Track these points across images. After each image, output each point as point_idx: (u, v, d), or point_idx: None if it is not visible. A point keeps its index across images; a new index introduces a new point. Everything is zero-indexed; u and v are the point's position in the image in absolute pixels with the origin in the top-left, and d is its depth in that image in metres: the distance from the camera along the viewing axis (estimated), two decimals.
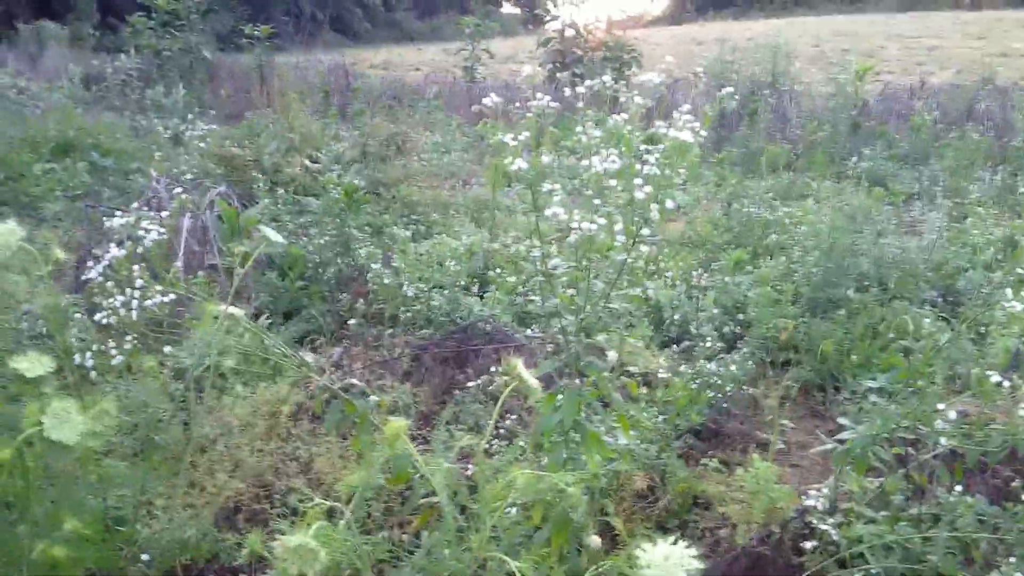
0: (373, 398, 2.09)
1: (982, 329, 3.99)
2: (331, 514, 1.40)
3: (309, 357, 2.13)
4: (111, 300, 1.71)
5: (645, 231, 1.86)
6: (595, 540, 1.60)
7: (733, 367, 3.41)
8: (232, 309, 1.60)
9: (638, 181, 1.86)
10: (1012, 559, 2.10)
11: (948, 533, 2.27)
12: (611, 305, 2.17)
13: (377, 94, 10.13)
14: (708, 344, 3.60)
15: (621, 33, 10.78)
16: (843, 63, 10.36)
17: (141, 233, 1.76)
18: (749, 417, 3.29)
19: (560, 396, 2.09)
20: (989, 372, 2.19)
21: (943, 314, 4.14)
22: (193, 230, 3.25)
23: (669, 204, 1.87)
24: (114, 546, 1.80)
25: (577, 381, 2.14)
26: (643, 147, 2.06)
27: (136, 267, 1.72)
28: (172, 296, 1.74)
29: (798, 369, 3.73)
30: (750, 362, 3.56)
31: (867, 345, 3.52)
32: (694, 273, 4.30)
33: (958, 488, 2.33)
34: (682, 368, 3.37)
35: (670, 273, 4.44)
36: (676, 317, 3.87)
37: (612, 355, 2.46)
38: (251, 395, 2.56)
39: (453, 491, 1.34)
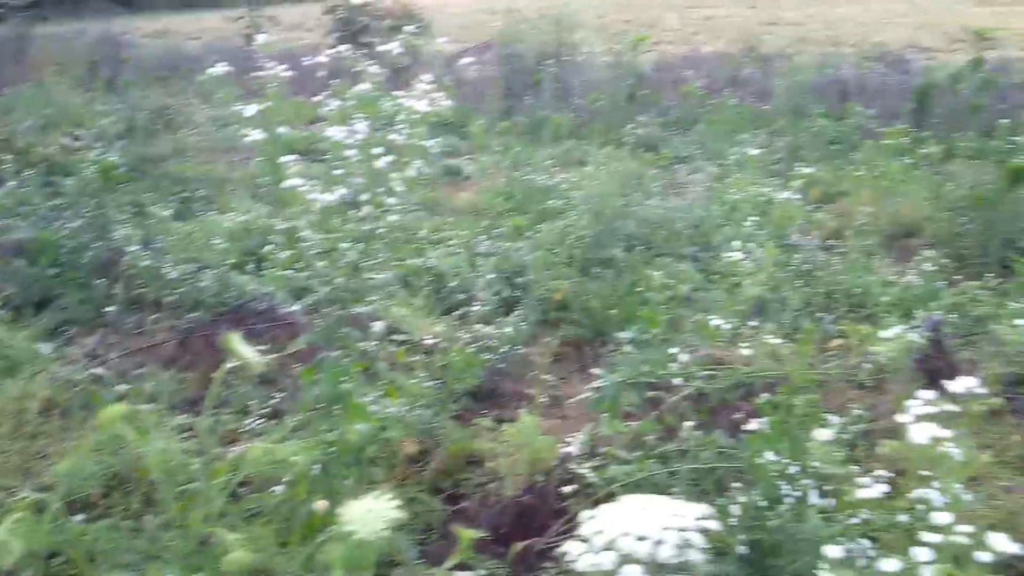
0: (123, 386, 2.01)
1: (735, 279, 4.37)
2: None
3: (46, 348, 2.01)
4: None
5: (391, 200, 1.89)
6: (321, 504, 1.64)
7: (508, 329, 3.55)
8: None
9: (379, 150, 1.89)
10: (738, 484, 2.34)
11: (690, 466, 2.50)
12: (372, 276, 2.21)
13: (150, 65, 9.54)
14: (485, 308, 3.72)
15: (409, 2, 10.73)
16: (625, 34, 10.82)
17: None
18: (524, 376, 3.44)
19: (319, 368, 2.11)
20: (711, 317, 2.40)
21: (702, 268, 4.49)
22: None
23: (411, 172, 1.91)
24: None
25: (338, 352, 2.16)
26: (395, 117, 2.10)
27: None
28: None
29: (570, 327, 3.94)
30: (524, 323, 3.71)
31: (630, 300, 3.75)
32: (477, 238, 4.41)
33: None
34: (459, 333, 3.47)
35: (454, 241, 4.52)
36: (456, 284, 3.97)
37: (378, 325, 2.49)
38: None
39: (173, 472, 1.33)
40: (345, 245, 2.03)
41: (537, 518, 2.55)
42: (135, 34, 14.55)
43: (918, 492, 2.01)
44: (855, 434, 2.52)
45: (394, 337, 2.91)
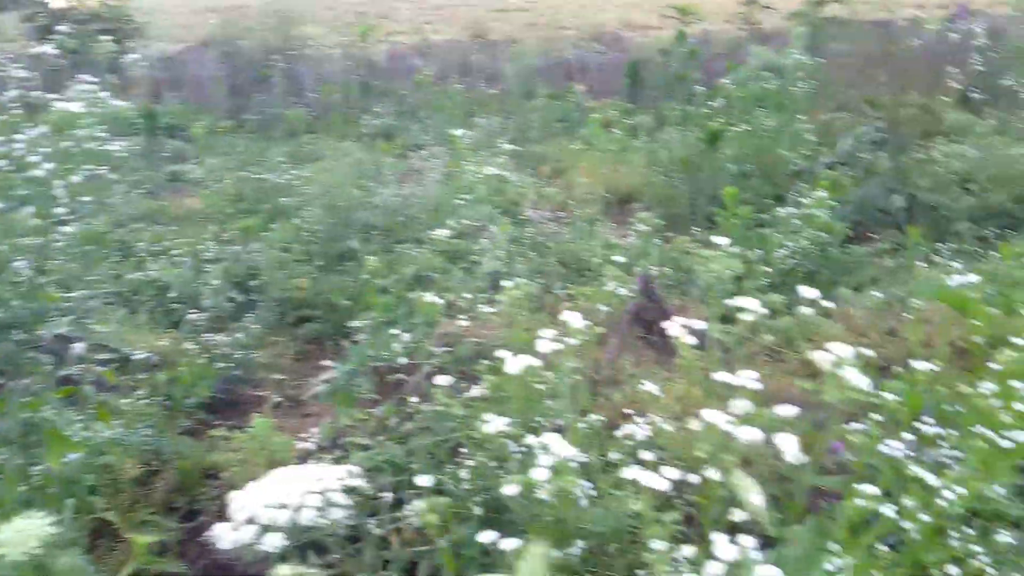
0: None
1: (475, 259, 4.50)
2: None
3: None
4: None
5: (59, 209, 1.76)
6: None
7: (241, 335, 3.44)
8: None
9: (36, 157, 1.75)
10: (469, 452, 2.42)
11: (426, 441, 2.55)
12: (62, 293, 2.04)
13: None
14: (215, 316, 3.58)
15: (117, 3, 10.01)
16: (356, 26, 10.73)
17: None
18: (262, 380, 3.35)
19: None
20: (431, 294, 2.44)
21: (441, 250, 4.57)
22: None
23: (75, 179, 1.79)
24: None
25: (28, 380, 1.99)
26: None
27: None
28: None
29: (312, 325, 3.88)
30: (260, 327, 3.61)
31: (367, 290, 3.76)
32: (201, 247, 4.22)
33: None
34: (187, 345, 3.31)
35: (178, 251, 4.30)
36: (181, 295, 3.78)
37: (78, 346, 2.32)
38: None
39: None
40: (19, 263, 1.86)
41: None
42: None
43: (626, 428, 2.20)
44: (571, 386, 2.67)
45: (103, 356, 2.73)
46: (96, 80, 1.85)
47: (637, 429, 2.18)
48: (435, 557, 2.27)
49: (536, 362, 1.26)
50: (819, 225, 4.42)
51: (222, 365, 3.21)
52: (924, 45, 8.47)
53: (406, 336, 2.50)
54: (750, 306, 1.79)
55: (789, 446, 1.19)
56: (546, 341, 1.31)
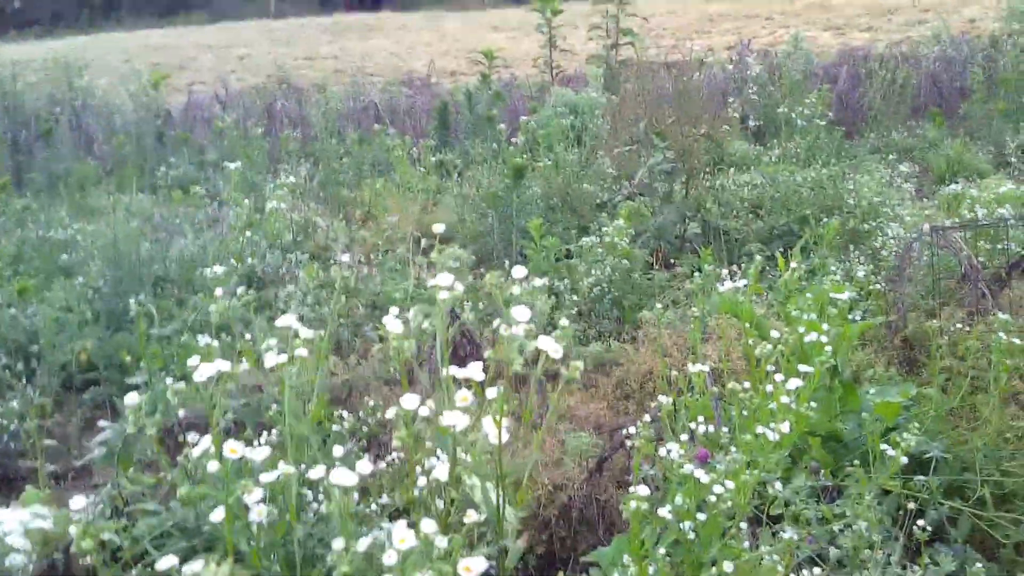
0: None
1: (281, 307, 4.33)
2: None
3: None
4: None
5: None
6: None
7: (15, 403, 3.12)
8: None
9: None
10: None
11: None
12: None
13: None
14: None
15: None
16: (148, 75, 10.25)
17: None
18: (41, 451, 3.04)
19: None
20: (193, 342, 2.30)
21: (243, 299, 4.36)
22: None
23: None
24: None
25: None
26: None
27: None
28: None
29: (100, 387, 3.58)
30: (39, 394, 3.30)
31: (155, 345, 3.52)
32: None
33: None
34: None
35: None
36: None
37: None
38: None
39: None
40: None
41: None
42: None
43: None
44: (373, 425, 2.61)
45: None
46: None
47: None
48: None
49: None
50: (621, 253, 4.58)
51: None
52: (708, 80, 9.08)
53: (180, 385, 2.32)
54: (550, 348, 1.72)
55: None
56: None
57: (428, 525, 1.34)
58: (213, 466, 1.44)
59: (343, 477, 1.38)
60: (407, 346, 1.97)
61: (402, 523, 1.43)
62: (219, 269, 2.98)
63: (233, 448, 1.53)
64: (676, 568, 1.37)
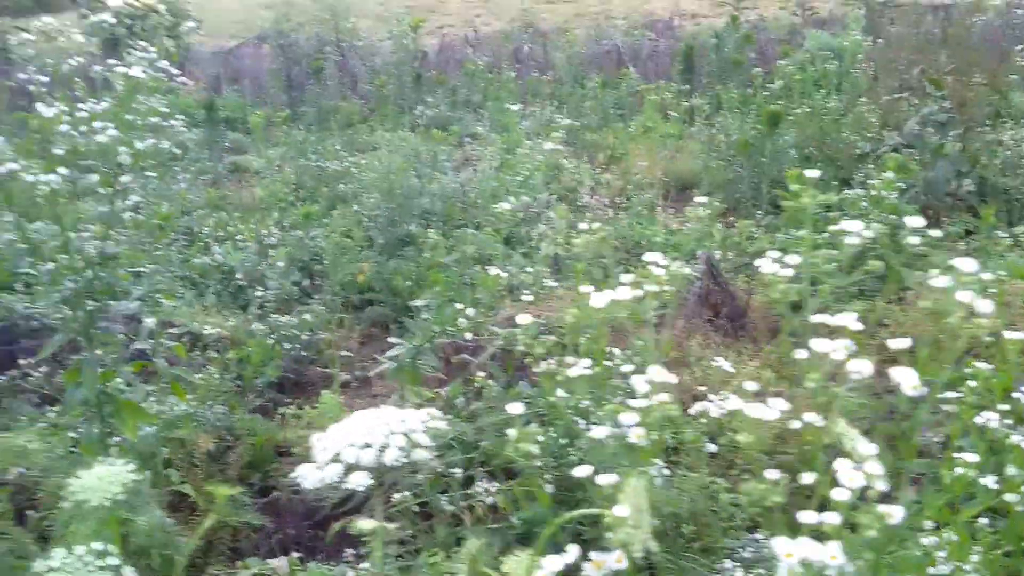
0: None
1: (533, 244, 4.49)
2: None
3: None
4: None
5: (125, 178, 1.77)
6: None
7: (307, 316, 3.47)
8: None
9: (98, 124, 1.75)
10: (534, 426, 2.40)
11: (494, 419, 2.54)
12: (127, 268, 2.06)
13: None
14: (280, 298, 3.61)
15: None
16: (406, 19, 10.78)
17: None
18: (327, 361, 3.37)
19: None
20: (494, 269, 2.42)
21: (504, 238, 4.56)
22: None
23: (140, 145, 1.79)
24: None
25: (99, 352, 2.02)
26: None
27: None
28: None
29: (375, 308, 3.90)
30: (324, 309, 3.64)
31: (428, 273, 3.76)
32: (264, 232, 4.27)
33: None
34: (255, 326, 3.34)
35: (242, 236, 4.35)
36: (248, 277, 3.82)
37: (149, 320, 2.35)
38: None
39: None
40: (85, 234, 1.88)
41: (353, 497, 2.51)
42: None
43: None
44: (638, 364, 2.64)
45: (173, 332, 2.77)
46: (153, 51, 1.84)
47: (711, 407, 2.14)
48: (508, 534, 2.26)
49: (623, 295, 1.20)
50: (888, 208, 4.31)
51: (289, 346, 3.24)
52: (986, 26, 8.22)
53: (470, 311, 2.48)
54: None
55: (906, 378, 1.11)
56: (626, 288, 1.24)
57: None
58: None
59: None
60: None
61: None
62: (506, 205, 3.12)
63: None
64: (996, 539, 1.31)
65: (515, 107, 7.40)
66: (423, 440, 1.00)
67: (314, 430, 2.67)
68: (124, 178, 1.79)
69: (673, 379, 1.11)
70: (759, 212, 4.94)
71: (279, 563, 2.02)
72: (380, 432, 1.00)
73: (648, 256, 1.60)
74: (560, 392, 2.22)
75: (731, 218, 4.81)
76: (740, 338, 3.41)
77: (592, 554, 1.06)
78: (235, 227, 4.38)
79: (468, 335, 2.51)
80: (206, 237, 4.19)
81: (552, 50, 10.23)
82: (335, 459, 0.99)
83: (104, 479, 1.09)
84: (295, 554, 2.11)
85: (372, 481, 0.97)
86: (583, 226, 1.69)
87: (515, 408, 1.35)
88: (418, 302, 2.79)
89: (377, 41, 9.74)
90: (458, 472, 2.34)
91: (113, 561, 1.01)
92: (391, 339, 2.66)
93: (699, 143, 6.16)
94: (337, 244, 4.07)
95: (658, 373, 1.08)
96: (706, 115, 6.98)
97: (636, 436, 1.13)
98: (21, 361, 2.73)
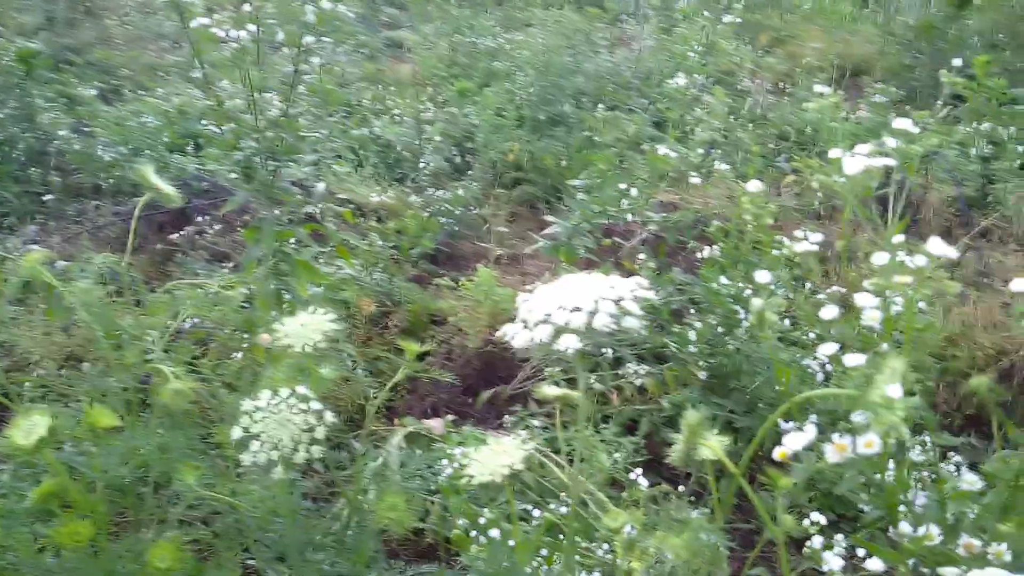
0: (63, 263, 1.95)
1: (688, 128, 4.34)
2: None
3: None
4: None
5: (309, 38, 1.80)
6: (265, 337, 1.64)
7: (461, 191, 3.51)
8: None
9: None
10: (693, 311, 2.38)
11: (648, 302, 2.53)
12: (304, 132, 2.12)
13: None
14: (435, 172, 3.66)
15: None
16: None
17: None
18: (479, 236, 3.42)
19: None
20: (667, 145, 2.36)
21: (653, 118, 4.43)
22: None
23: (326, 5, 1.81)
24: None
25: (276, 211, 2.11)
26: None
27: None
28: None
29: (525, 186, 3.91)
30: (476, 184, 3.67)
31: (581, 153, 3.72)
32: (420, 107, 4.30)
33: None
34: (411, 198, 3.42)
35: (398, 111, 4.41)
36: (404, 151, 3.89)
37: (320, 185, 2.44)
38: None
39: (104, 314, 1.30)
40: (268, 94, 1.93)
41: (501, 367, 2.58)
42: None
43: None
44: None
45: (340, 197, 2.87)
46: None
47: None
48: (655, 417, 2.28)
49: (876, 163, 1.14)
50: None
51: (443, 219, 3.30)
52: None
53: (633, 191, 2.44)
54: None
55: None
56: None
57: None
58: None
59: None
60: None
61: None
62: (681, 80, 3.01)
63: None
64: None
65: None
66: (633, 308, 1.00)
67: (464, 301, 2.75)
68: (307, 39, 1.82)
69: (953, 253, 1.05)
70: (937, 103, 4.57)
71: (435, 423, 2.12)
72: (589, 297, 1.00)
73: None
74: (723, 279, 2.19)
75: (906, 107, 4.48)
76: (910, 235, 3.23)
77: (835, 436, 1.05)
78: (392, 101, 4.43)
79: (629, 216, 2.47)
80: (364, 110, 4.27)
81: None
82: (544, 320, 1.00)
83: (307, 326, 1.15)
84: (449, 416, 2.20)
85: (582, 344, 0.98)
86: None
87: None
88: (575, 182, 2.76)
89: None
90: (608, 352, 2.36)
91: (316, 406, 1.07)
92: (547, 217, 2.66)
93: (875, 25, 5.72)
94: (490, 121, 4.07)
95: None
96: None
97: (871, 319, 1.10)
98: (198, 219, 2.91)
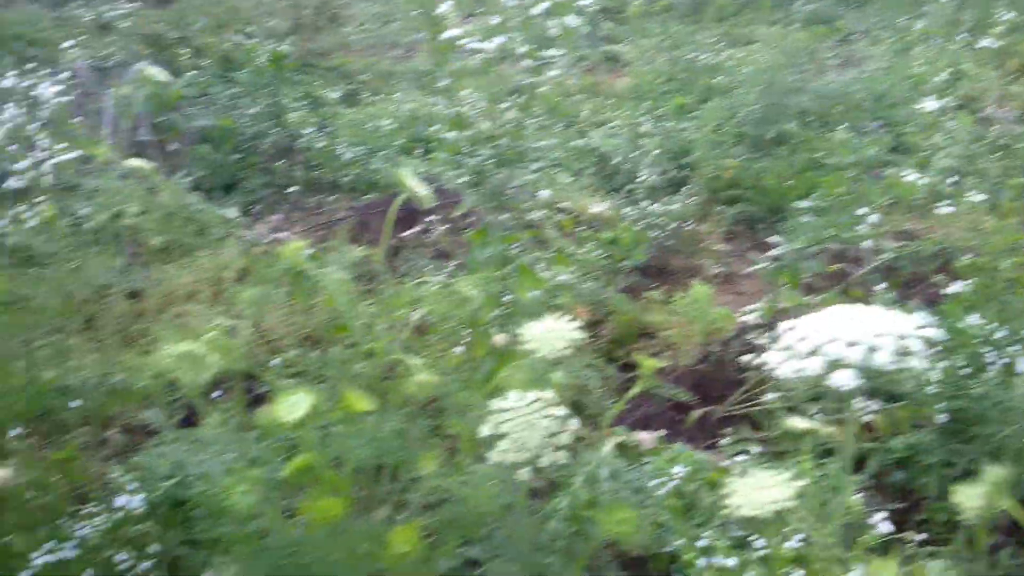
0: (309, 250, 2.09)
1: (925, 153, 4.06)
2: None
3: (231, 213, 2.13)
4: (19, 164, 1.68)
5: (551, 51, 1.82)
6: (500, 338, 1.66)
7: (676, 206, 3.46)
8: (135, 161, 1.58)
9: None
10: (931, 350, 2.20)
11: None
12: (534, 142, 2.16)
13: None
14: (651, 185, 3.63)
15: None
16: None
17: (40, 93, 1.71)
18: (693, 252, 3.35)
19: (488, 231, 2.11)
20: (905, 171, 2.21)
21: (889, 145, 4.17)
22: (120, 106, 3.17)
23: (571, 21, 1.82)
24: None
25: (504, 217, 2.16)
26: None
27: (34, 126, 1.68)
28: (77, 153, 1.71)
29: (742, 205, 3.79)
30: (692, 199, 3.61)
31: (807, 174, 3.56)
32: (637, 120, 4.29)
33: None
34: (625, 210, 3.41)
35: (616, 123, 4.41)
36: (620, 163, 3.88)
37: (543, 192, 2.47)
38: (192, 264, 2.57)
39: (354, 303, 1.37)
40: (505, 104, 1.98)
41: (714, 387, 2.51)
42: None
43: None
44: None
45: (559, 206, 2.90)
46: None
47: None
48: (883, 456, 2.13)
49: None
50: None
51: (656, 233, 3.26)
52: None
53: (873, 218, 2.30)
54: None
55: None
56: None
57: None
58: None
59: None
60: None
61: None
62: (934, 104, 2.82)
63: None
64: None
65: (909, 7, 6.66)
66: (916, 346, 0.93)
67: (676, 316, 2.69)
68: (548, 52, 1.84)
69: None
70: None
71: (646, 437, 2.08)
72: (866, 332, 0.94)
73: None
74: (972, 319, 2.02)
75: None
76: None
77: None
78: (609, 113, 4.45)
79: (865, 243, 2.33)
80: (581, 121, 4.30)
81: None
82: (815, 352, 0.95)
83: (552, 332, 1.16)
84: (662, 431, 2.16)
85: (860, 381, 0.92)
86: None
87: None
88: (802, 203, 2.64)
89: None
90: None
91: (562, 411, 1.07)
92: (772, 239, 2.56)
93: None
94: (708, 137, 3.98)
95: None
96: None
97: None
98: (425, 219, 3.03)
